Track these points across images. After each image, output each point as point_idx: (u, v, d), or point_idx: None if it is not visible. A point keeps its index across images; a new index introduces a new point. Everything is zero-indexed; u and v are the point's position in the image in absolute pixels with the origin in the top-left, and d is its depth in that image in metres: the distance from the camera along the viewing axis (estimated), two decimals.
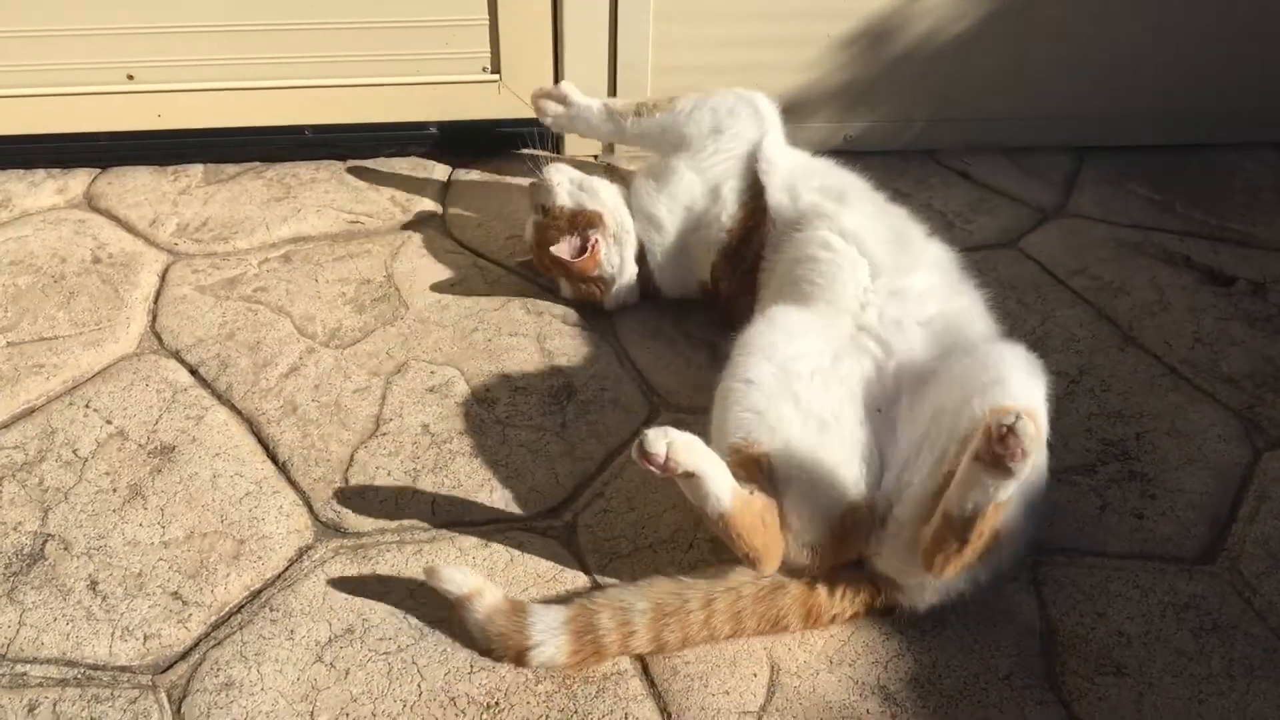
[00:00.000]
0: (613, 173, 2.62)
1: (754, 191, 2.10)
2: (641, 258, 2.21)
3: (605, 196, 2.20)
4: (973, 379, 1.60)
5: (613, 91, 2.56)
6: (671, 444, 1.53)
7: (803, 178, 2.07)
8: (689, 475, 1.56)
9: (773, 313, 1.80)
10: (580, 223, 2.16)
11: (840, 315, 1.81)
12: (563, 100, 2.32)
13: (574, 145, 2.66)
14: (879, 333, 1.79)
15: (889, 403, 1.73)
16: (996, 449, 1.42)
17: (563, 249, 2.15)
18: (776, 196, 2.06)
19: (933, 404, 1.66)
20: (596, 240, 2.15)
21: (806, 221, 1.98)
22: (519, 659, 1.62)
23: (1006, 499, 1.48)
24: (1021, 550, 1.69)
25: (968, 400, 1.57)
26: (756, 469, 1.64)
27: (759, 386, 1.68)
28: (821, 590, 1.66)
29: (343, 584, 1.73)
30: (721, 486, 1.57)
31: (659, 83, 2.51)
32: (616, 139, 2.42)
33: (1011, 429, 1.40)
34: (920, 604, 1.67)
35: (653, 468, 1.54)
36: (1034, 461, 1.53)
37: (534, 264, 2.27)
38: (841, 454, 1.66)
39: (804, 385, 1.69)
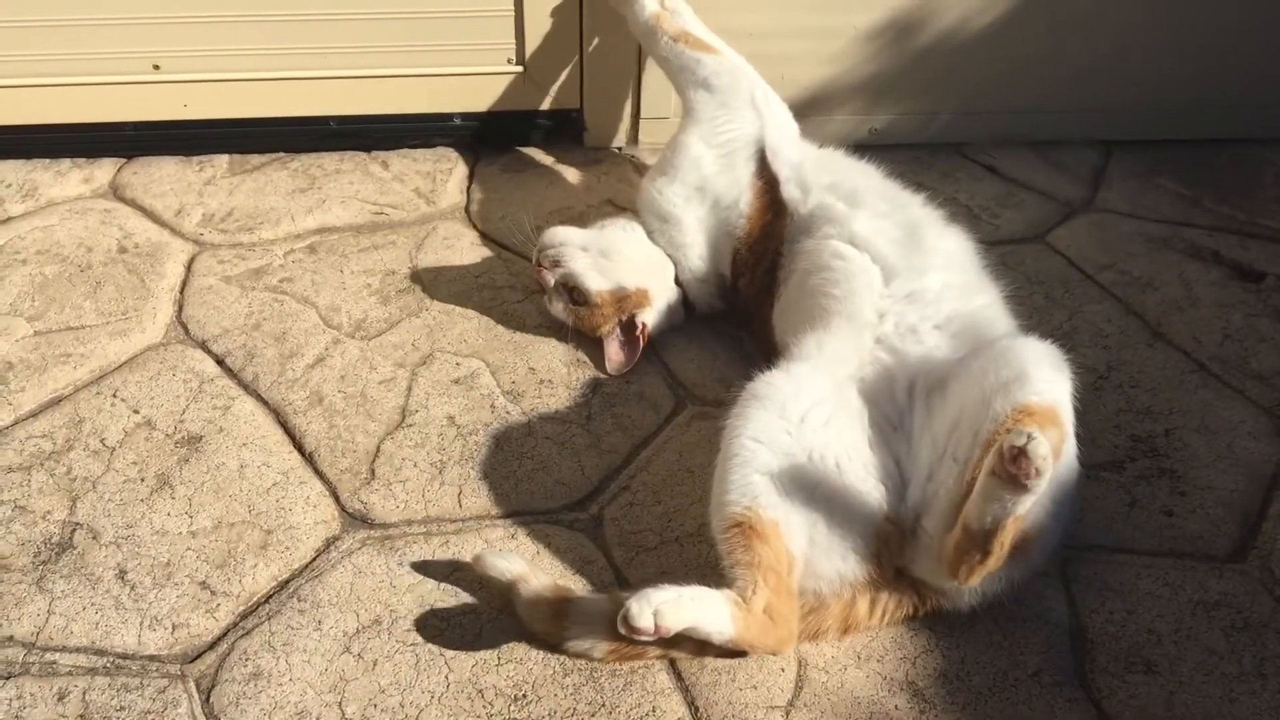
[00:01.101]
0: (625, 177, 2.61)
1: (767, 180, 2.08)
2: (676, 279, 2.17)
3: (635, 254, 2.12)
4: (992, 377, 1.59)
5: (637, 86, 2.55)
6: (658, 611, 1.48)
7: (814, 172, 2.05)
8: (683, 632, 1.53)
9: (788, 365, 1.77)
10: (627, 305, 2.07)
11: (861, 331, 1.79)
12: None
13: (596, 136, 2.65)
14: (894, 343, 1.77)
15: (905, 413, 1.72)
16: (1010, 469, 1.41)
17: (614, 357, 2.06)
18: (789, 189, 2.05)
19: (953, 409, 1.64)
20: (644, 325, 2.07)
21: (819, 224, 1.96)
22: (557, 646, 1.62)
23: (1026, 512, 1.47)
24: (1055, 544, 1.68)
25: (988, 401, 1.56)
26: (757, 539, 1.58)
27: (769, 448, 1.63)
28: (861, 605, 1.64)
29: (370, 575, 1.73)
30: (720, 622, 1.54)
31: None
32: (646, 45, 2.34)
33: (1023, 450, 1.39)
34: (963, 606, 1.66)
35: (644, 638, 1.51)
36: (1060, 463, 1.53)
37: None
38: (860, 488, 1.65)
39: (819, 439, 1.65)
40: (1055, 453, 1.49)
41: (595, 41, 2.49)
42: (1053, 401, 1.55)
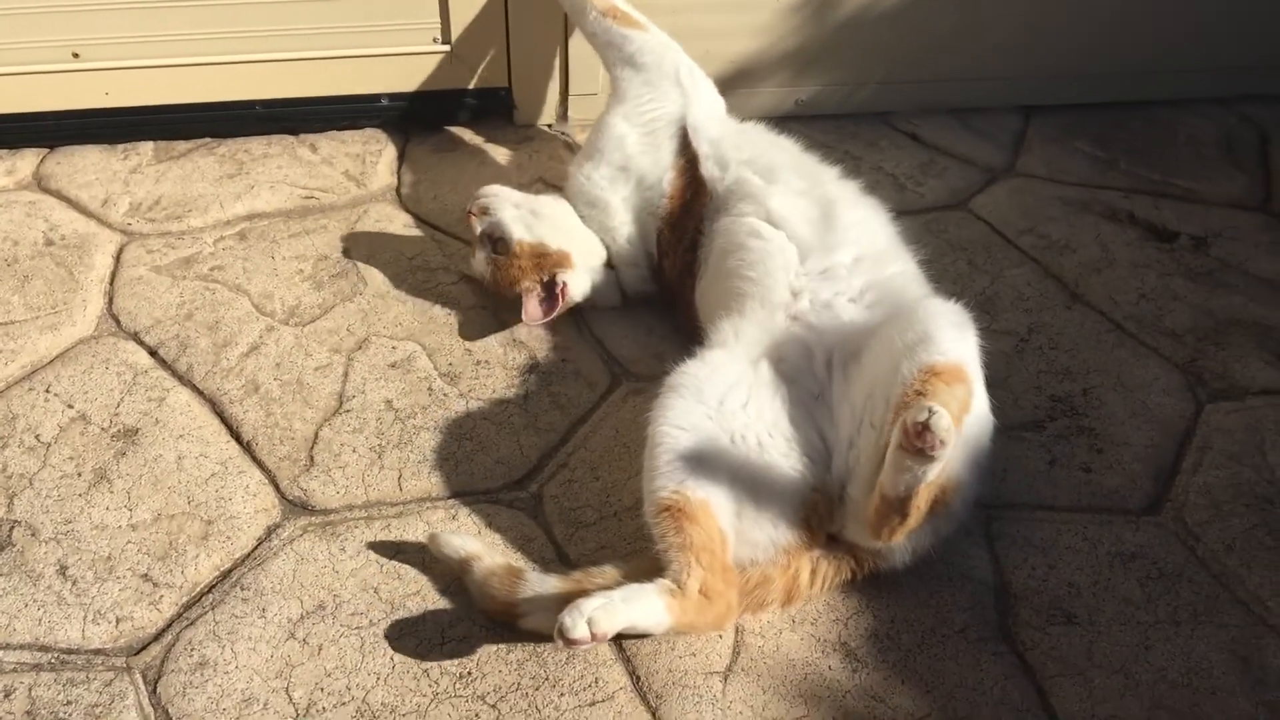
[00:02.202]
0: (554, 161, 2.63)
1: (689, 158, 2.11)
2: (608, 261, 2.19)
3: (564, 222, 2.15)
4: (898, 341, 1.64)
5: (565, 63, 2.57)
6: (592, 620, 1.50)
7: (732, 149, 2.08)
8: (621, 633, 1.57)
9: (704, 353, 1.81)
10: (546, 264, 2.09)
11: (774, 313, 1.84)
12: None
13: (525, 113, 2.66)
14: (810, 319, 1.82)
15: (825, 385, 1.77)
16: (916, 443, 1.46)
17: (532, 310, 2.08)
18: (708, 167, 2.08)
19: (867, 377, 1.70)
20: (565, 284, 2.09)
21: (736, 201, 1.99)
22: (508, 624, 1.65)
23: (936, 476, 1.52)
24: (975, 493, 1.73)
25: (896, 366, 1.61)
26: (687, 520, 1.61)
27: (691, 433, 1.68)
28: (803, 575, 1.69)
29: (312, 561, 1.75)
30: (655, 615, 1.57)
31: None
32: (575, 19, 2.36)
33: (926, 425, 1.45)
34: (898, 564, 1.71)
35: (583, 648, 1.55)
36: (971, 416, 1.59)
37: (491, 293, 2.18)
38: (783, 462, 1.70)
39: (739, 420, 1.70)
40: (964, 407, 1.56)
41: (519, 21, 2.50)
42: (957, 359, 1.59)
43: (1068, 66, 2.74)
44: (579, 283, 2.13)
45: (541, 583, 1.65)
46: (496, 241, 2.10)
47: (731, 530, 1.65)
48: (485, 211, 2.13)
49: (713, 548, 1.60)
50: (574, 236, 2.15)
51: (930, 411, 1.45)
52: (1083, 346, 2.16)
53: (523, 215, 2.12)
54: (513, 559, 1.76)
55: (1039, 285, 2.29)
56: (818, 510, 1.69)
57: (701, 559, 1.59)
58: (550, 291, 2.09)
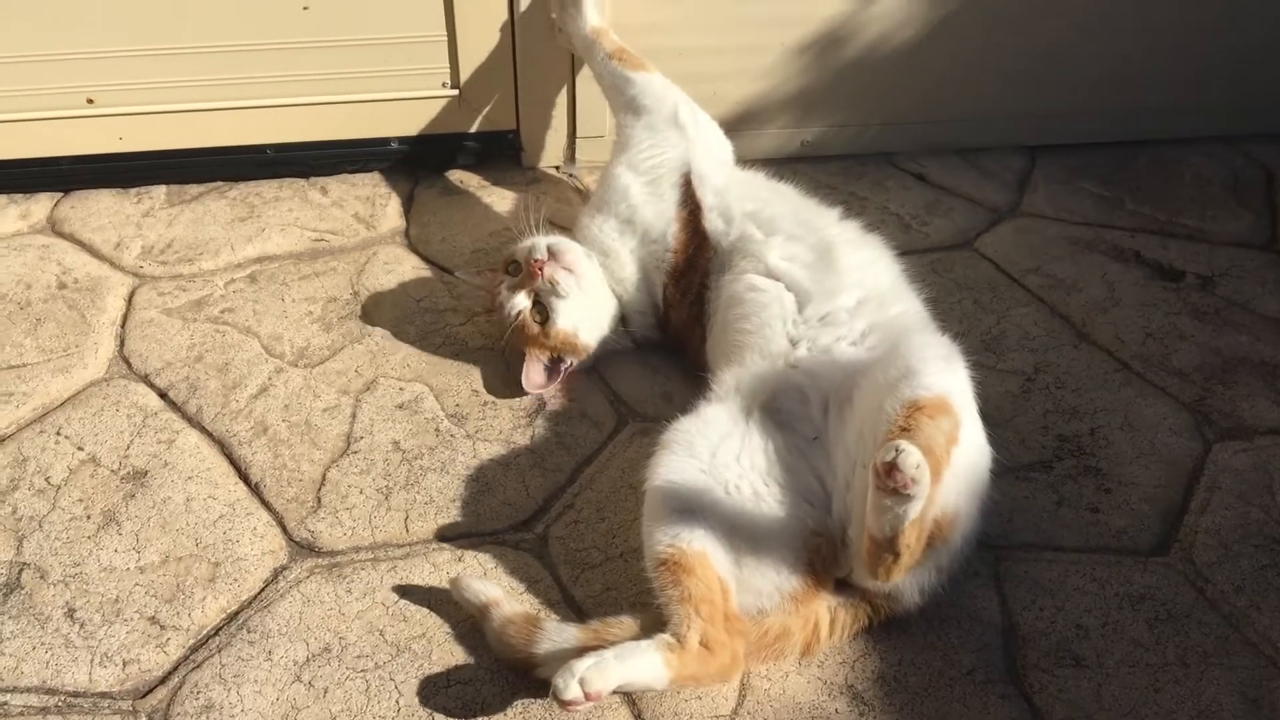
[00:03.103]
0: (561, 199, 2.65)
1: (692, 209, 2.11)
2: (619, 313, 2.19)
3: (598, 315, 2.13)
4: (882, 378, 1.64)
5: (572, 106, 2.59)
6: (584, 679, 1.48)
7: (737, 200, 2.09)
8: (618, 691, 1.56)
9: (698, 407, 1.83)
10: (566, 349, 2.09)
11: (774, 362, 1.85)
12: (576, 4, 2.33)
13: (532, 156, 2.68)
14: (808, 366, 1.83)
15: (822, 429, 1.78)
16: (888, 483, 1.46)
17: (535, 377, 2.07)
18: (712, 219, 2.08)
19: (858, 417, 1.70)
20: (570, 366, 2.11)
21: (738, 258, 2.01)
22: (523, 672, 1.64)
23: (919, 514, 1.52)
24: (974, 524, 1.72)
25: (880, 404, 1.61)
26: (684, 573, 1.61)
27: (686, 485, 1.69)
28: (823, 624, 1.68)
29: (319, 603, 1.76)
30: (653, 671, 1.55)
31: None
32: (587, 60, 2.38)
33: (894, 464, 1.45)
34: (910, 604, 1.70)
35: (579, 709, 1.52)
36: (962, 448, 1.58)
37: (495, 328, 2.14)
38: (782, 510, 1.70)
39: (732, 471, 1.72)
40: (950, 440, 1.55)
41: (527, 67, 2.53)
42: (941, 391, 1.58)
43: (1073, 106, 2.76)
44: (585, 361, 2.14)
45: (559, 633, 1.64)
46: (541, 307, 2.05)
47: (733, 580, 1.64)
48: (555, 280, 2.04)
49: (712, 599, 1.60)
50: (600, 327, 2.13)
51: (897, 450, 1.45)
52: (1090, 386, 2.16)
53: (575, 302, 2.06)
54: (519, 600, 1.76)
55: (1045, 324, 2.30)
56: (821, 554, 1.68)
57: (701, 610, 1.58)
58: (556, 366, 2.10)
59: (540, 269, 2.04)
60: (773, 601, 1.66)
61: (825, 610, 1.69)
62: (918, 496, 1.47)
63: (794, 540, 1.67)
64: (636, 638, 1.60)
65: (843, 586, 1.72)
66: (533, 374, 2.08)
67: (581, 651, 1.56)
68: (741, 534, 1.66)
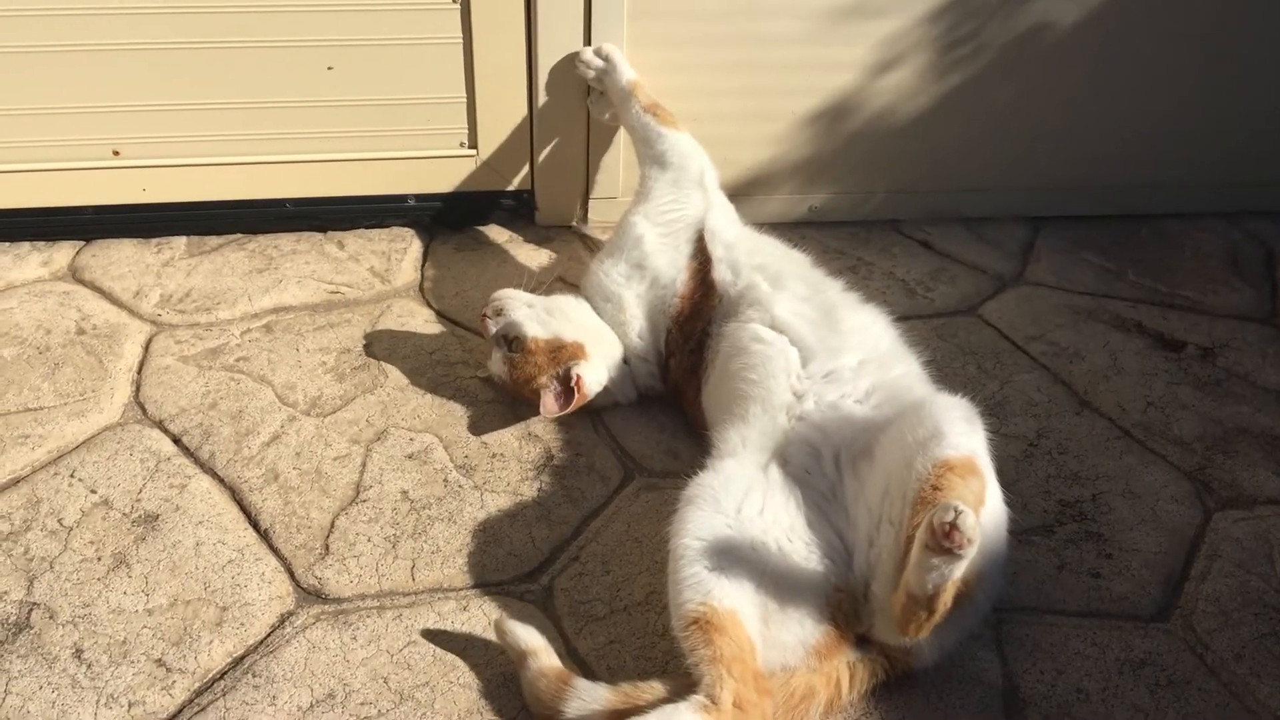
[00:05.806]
0: (572, 258, 2.69)
1: (702, 260, 2.17)
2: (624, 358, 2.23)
3: (577, 317, 2.20)
4: (910, 437, 1.66)
5: (587, 169, 2.65)
6: None
7: (745, 254, 2.14)
8: None
9: (715, 463, 1.84)
10: (561, 357, 2.13)
11: (776, 415, 1.88)
12: (606, 59, 2.43)
13: (546, 214, 2.74)
14: (815, 420, 1.86)
15: (837, 485, 1.80)
16: (944, 543, 1.47)
17: (549, 404, 2.09)
18: (720, 270, 2.14)
19: (881, 475, 1.72)
20: (579, 376, 2.11)
21: (745, 307, 2.05)
22: None
23: (963, 573, 1.53)
24: (997, 585, 1.74)
25: (910, 462, 1.63)
26: (715, 631, 1.60)
27: (712, 543, 1.68)
28: (844, 681, 1.68)
29: (324, 650, 1.77)
30: None
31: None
32: (621, 112, 2.44)
33: (954, 525, 1.46)
34: (929, 661, 1.71)
35: None
36: (985, 508, 1.60)
37: (510, 393, 2.21)
38: (805, 565, 1.71)
39: (757, 526, 1.72)
40: (979, 499, 1.58)
41: (544, 131, 2.59)
42: (968, 452, 1.62)
43: (1076, 180, 2.82)
44: (594, 374, 2.15)
45: (589, 693, 1.62)
46: (511, 340, 2.14)
47: (759, 637, 1.64)
48: (499, 313, 2.18)
49: (743, 657, 1.59)
50: (588, 329, 2.19)
51: (956, 511, 1.46)
52: (1091, 452, 2.18)
53: (536, 313, 2.17)
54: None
55: (1048, 391, 2.33)
56: (843, 609, 1.69)
57: (734, 670, 1.57)
58: (565, 384, 2.12)
59: (483, 320, 2.21)
60: (796, 657, 1.66)
61: (845, 666, 1.69)
62: (968, 557, 1.48)
63: (818, 596, 1.69)
64: (666, 701, 1.59)
65: (861, 641, 1.72)
66: (546, 401, 2.10)
67: (610, 715, 1.56)
68: (768, 590, 1.67)
